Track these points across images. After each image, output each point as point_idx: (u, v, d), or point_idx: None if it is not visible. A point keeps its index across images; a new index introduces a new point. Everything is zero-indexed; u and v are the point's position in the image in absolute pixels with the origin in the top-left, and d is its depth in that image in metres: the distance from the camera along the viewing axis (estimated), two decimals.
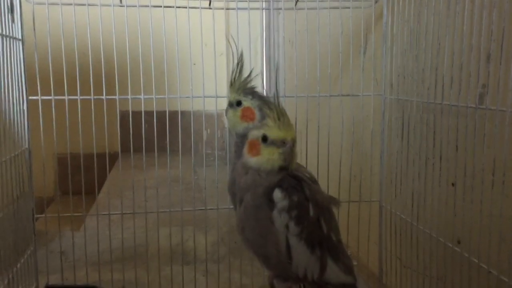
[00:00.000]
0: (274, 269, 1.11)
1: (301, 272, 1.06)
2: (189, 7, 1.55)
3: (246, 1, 1.57)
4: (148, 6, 1.54)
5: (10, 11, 1.41)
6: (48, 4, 1.48)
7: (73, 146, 1.51)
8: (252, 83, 1.23)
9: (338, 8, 1.58)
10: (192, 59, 1.61)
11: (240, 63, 1.20)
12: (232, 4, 1.59)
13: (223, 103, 1.31)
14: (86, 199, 1.57)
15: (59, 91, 1.51)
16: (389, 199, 1.58)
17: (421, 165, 1.37)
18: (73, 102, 1.53)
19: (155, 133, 1.59)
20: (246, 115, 1.20)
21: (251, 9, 1.59)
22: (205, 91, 1.60)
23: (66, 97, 1.53)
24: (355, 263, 1.42)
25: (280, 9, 1.64)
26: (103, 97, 1.55)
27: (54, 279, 1.68)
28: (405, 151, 1.46)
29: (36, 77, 1.49)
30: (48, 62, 1.49)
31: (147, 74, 1.56)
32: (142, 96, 1.59)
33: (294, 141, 1.03)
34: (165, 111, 1.56)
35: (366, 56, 1.73)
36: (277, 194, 1.03)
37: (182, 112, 1.62)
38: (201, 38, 1.57)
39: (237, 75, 1.21)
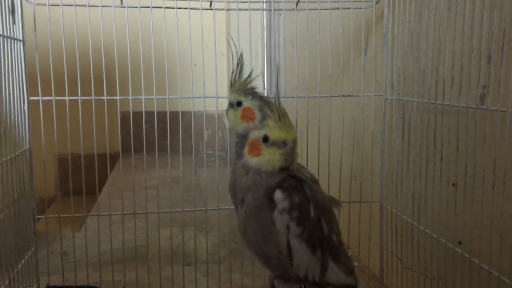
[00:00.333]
0: (275, 270, 1.11)
1: (302, 273, 1.06)
2: (190, 8, 1.55)
3: (247, 2, 1.57)
4: (149, 7, 1.54)
5: (11, 12, 1.41)
6: (49, 5, 1.48)
7: (74, 147, 1.51)
8: (253, 84, 1.23)
9: (339, 9, 1.58)
10: (192, 59, 1.61)
11: (240, 64, 1.20)
12: (233, 5, 1.60)
13: (224, 104, 1.31)
14: (86, 199, 1.57)
15: (60, 91, 1.52)
16: (390, 199, 1.58)
17: (422, 166, 1.37)
18: (74, 103, 1.53)
19: (156, 134, 1.59)
20: (247, 116, 1.20)
21: (252, 10, 1.59)
22: (206, 91, 1.60)
23: (67, 98, 1.53)
24: (356, 264, 1.42)
25: (281, 10, 1.64)
26: (104, 97, 1.55)
27: (55, 280, 1.68)
28: (405, 151, 1.46)
29: (37, 77, 1.49)
30: (49, 62, 1.49)
31: (148, 74, 1.56)
32: (143, 97, 1.59)
33: (295, 142, 1.03)
34: (166, 112, 1.56)
35: (366, 57, 1.73)
36: (278, 194, 1.03)
37: (183, 113, 1.62)
38: (202, 39, 1.57)
39: (238, 75, 1.21)
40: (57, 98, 1.53)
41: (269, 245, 1.04)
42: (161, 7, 1.54)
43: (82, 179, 1.52)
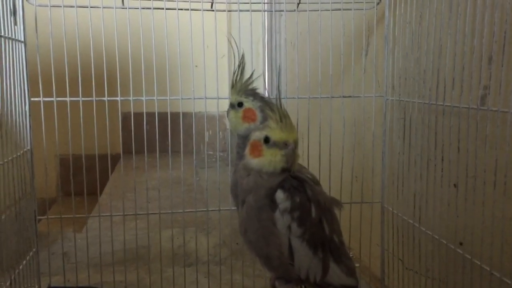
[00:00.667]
0: (276, 271, 1.11)
1: (303, 273, 1.06)
2: (191, 9, 1.55)
3: (248, 3, 1.57)
4: (150, 8, 1.55)
5: (12, 14, 1.41)
6: (50, 6, 1.48)
7: (75, 148, 1.51)
8: (254, 85, 1.23)
9: (340, 9, 1.58)
10: (194, 60, 1.61)
11: (241, 65, 1.21)
12: (234, 6, 1.60)
13: (225, 105, 1.31)
14: (88, 200, 1.57)
15: (61, 92, 1.52)
16: (391, 200, 1.58)
17: (423, 166, 1.37)
18: (75, 104, 1.54)
19: (157, 135, 1.60)
20: (248, 116, 1.20)
21: (253, 11, 1.59)
22: (207, 92, 1.60)
23: (68, 99, 1.53)
24: (357, 264, 1.42)
25: (282, 10, 1.64)
26: (105, 98, 1.56)
27: (56, 281, 1.68)
28: (406, 152, 1.46)
29: (38, 78, 1.50)
30: (50, 63, 1.50)
31: (149, 75, 1.56)
32: (143, 98, 1.59)
33: (296, 143, 1.03)
34: (167, 113, 1.56)
35: (367, 58, 1.73)
36: (279, 195, 1.03)
37: (184, 114, 1.62)
38: (203, 39, 1.57)
39: (239, 76, 1.22)
40: (58, 99, 1.53)
41: (270, 246, 1.04)
42: (162, 8, 1.55)
43: (83, 180, 1.52)
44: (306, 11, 1.62)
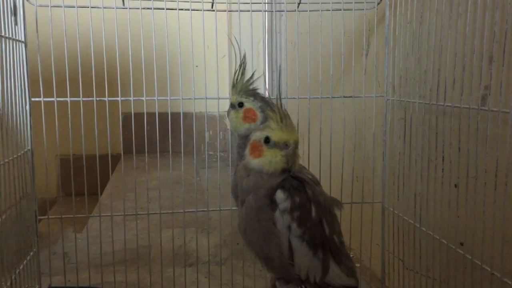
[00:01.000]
0: (277, 271, 1.11)
1: (303, 274, 1.06)
2: (192, 9, 1.55)
3: (249, 3, 1.57)
4: (151, 8, 1.55)
5: (13, 14, 1.41)
6: (51, 6, 1.48)
7: (76, 148, 1.51)
8: (254, 85, 1.23)
9: (340, 10, 1.58)
10: (194, 60, 1.61)
11: (242, 65, 1.21)
12: (235, 6, 1.60)
13: (225, 105, 1.31)
14: (88, 200, 1.57)
15: (61, 92, 1.52)
16: (392, 200, 1.58)
17: (424, 167, 1.37)
18: (75, 104, 1.54)
19: (157, 135, 1.59)
20: (248, 116, 1.20)
21: (254, 11, 1.59)
22: (207, 92, 1.60)
23: (68, 99, 1.53)
24: (357, 265, 1.42)
25: (283, 11, 1.64)
26: (106, 98, 1.56)
27: (57, 281, 1.68)
28: (407, 152, 1.46)
29: (39, 78, 1.50)
30: (50, 63, 1.50)
31: (149, 76, 1.56)
32: (144, 98, 1.59)
33: (296, 143, 1.03)
34: (167, 113, 1.56)
35: (368, 58, 1.73)
36: (279, 195, 1.03)
37: (184, 114, 1.62)
38: (203, 40, 1.57)
39: (239, 76, 1.22)
40: (58, 99, 1.53)
41: (270, 246, 1.04)
42: (163, 8, 1.55)
43: (84, 180, 1.52)
44: (306, 11, 1.62)
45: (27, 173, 1.50)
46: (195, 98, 1.60)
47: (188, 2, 1.53)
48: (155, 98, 1.59)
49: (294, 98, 1.62)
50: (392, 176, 1.58)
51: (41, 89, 1.50)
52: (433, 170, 1.32)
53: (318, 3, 1.57)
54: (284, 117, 1.03)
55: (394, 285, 1.58)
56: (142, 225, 1.76)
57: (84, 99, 1.55)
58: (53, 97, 1.52)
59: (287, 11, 1.63)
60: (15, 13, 1.42)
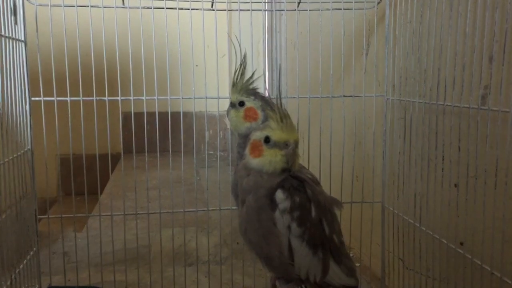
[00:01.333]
0: (276, 271, 1.11)
1: (303, 273, 1.06)
2: (192, 9, 1.55)
3: (249, 2, 1.57)
4: (151, 8, 1.55)
5: (13, 13, 1.41)
6: (51, 5, 1.48)
7: (76, 147, 1.51)
8: (254, 84, 1.23)
9: (340, 9, 1.58)
10: (194, 60, 1.61)
11: (243, 64, 1.21)
12: (235, 6, 1.60)
13: (225, 104, 1.31)
14: (88, 200, 1.57)
15: (61, 92, 1.52)
16: (392, 200, 1.58)
17: (424, 166, 1.37)
18: (75, 103, 1.54)
19: (157, 134, 1.59)
20: (249, 115, 1.20)
21: (253, 10, 1.59)
22: (207, 92, 1.60)
23: (68, 98, 1.53)
24: (357, 264, 1.42)
25: (283, 10, 1.64)
26: (106, 98, 1.56)
27: (57, 280, 1.68)
28: (407, 152, 1.46)
29: (39, 78, 1.50)
30: (50, 63, 1.50)
31: (149, 75, 1.56)
32: (144, 97, 1.59)
33: (296, 143, 1.03)
34: (167, 112, 1.56)
35: (368, 57, 1.73)
36: (279, 195, 1.03)
37: (184, 113, 1.62)
38: (203, 39, 1.57)
39: (240, 76, 1.21)
40: (58, 98, 1.53)
41: (270, 246, 1.04)
42: (163, 8, 1.55)
43: (83, 179, 1.52)
44: (306, 10, 1.62)
45: (27, 172, 1.50)
46: (195, 98, 1.60)
47: (188, 1, 1.53)
48: (155, 97, 1.59)
49: (294, 97, 1.62)
50: (392, 176, 1.58)
51: (41, 88, 1.50)
52: (433, 170, 1.32)
53: (318, 2, 1.57)
54: (284, 117, 1.03)
55: (394, 285, 1.58)
56: (142, 225, 1.76)
57: (84, 98, 1.55)
58: (53, 97, 1.52)
59: (287, 10, 1.63)
60: (15, 13, 1.42)
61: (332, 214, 1.10)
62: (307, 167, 1.36)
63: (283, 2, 1.61)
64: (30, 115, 1.51)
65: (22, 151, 1.46)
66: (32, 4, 1.49)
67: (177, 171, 1.69)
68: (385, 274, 1.63)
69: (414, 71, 1.41)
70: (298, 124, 1.50)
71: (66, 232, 1.98)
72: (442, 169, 1.29)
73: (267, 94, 1.26)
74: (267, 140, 1.03)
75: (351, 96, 1.63)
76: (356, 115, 1.65)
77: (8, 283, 1.34)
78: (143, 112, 1.58)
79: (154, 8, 1.55)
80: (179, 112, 1.61)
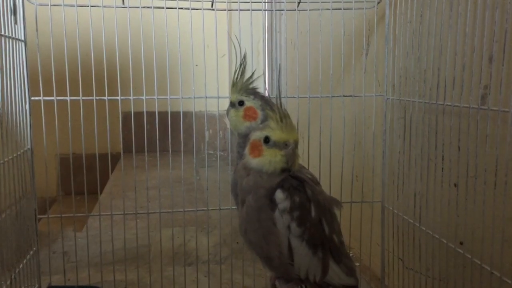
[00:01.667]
0: (276, 270, 1.11)
1: (303, 273, 1.06)
2: (192, 8, 1.55)
3: (248, 2, 1.57)
4: (151, 7, 1.55)
5: (13, 13, 1.41)
6: (51, 5, 1.48)
7: (75, 147, 1.51)
8: (254, 84, 1.23)
9: (340, 9, 1.58)
10: (194, 60, 1.61)
11: (243, 64, 1.20)
12: (235, 6, 1.60)
13: (225, 104, 1.31)
14: (88, 199, 1.57)
15: (61, 91, 1.52)
16: (391, 200, 1.58)
17: (423, 166, 1.37)
18: (75, 103, 1.54)
19: (157, 134, 1.59)
20: (249, 115, 1.20)
21: (253, 10, 1.59)
22: (207, 92, 1.60)
23: (68, 98, 1.53)
24: (357, 264, 1.42)
25: (283, 10, 1.64)
26: (105, 97, 1.56)
27: (57, 280, 1.68)
28: (407, 151, 1.46)
29: (39, 77, 1.50)
30: (50, 62, 1.50)
31: (149, 75, 1.56)
32: (144, 97, 1.59)
33: (296, 143, 1.03)
34: (167, 112, 1.56)
35: (368, 57, 1.73)
36: (279, 195, 1.03)
37: (184, 113, 1.62)
38: (203, 39, 1.57)
39: (239, 75, 1.21)
40: (58, 98, 1.53)
41: (270, 246, 1.04)
42: (163, 7, 1.55)
43: (83, 179, 1.52)
44: (306, 10, 1.62)
45: (26, 172, 1.50)
46: (194, 97, 1.60)
47: (188, 1, 1.53)
48: (155, 97, 1.59)
49: (294, 97, 1.62)
50: (391, 175, 1.58)
51: (41, 88, 1.50)
52: (433, 169, 1.32)
53: (318, 2, 1.57)
54: (284, 117, 1.02)
55: (393, 284, 1.58)
56: (142, 224, 1.76)
57: (84, 98, 1.55)
58: (53, 96, 1.52)
59: (287, 10, 1.63)
60: (15, 12, 1.42)
61: (331, 214, 1.10)
62: (307, 167, 1.36)
63: (283, 2, 1.61)
64: (30, 115, 1.51)
65: (22, 151, 1.46)
66: (32, 3, 1.49)
67: (177, 171, 1.69)
68: (385, 274, 1.63)
69: (414, 71, 1.41)
70: (298, 124, 1.51)
71: (66, 231, 1.98)
72: (442, 168, 1.29)
73: (267, 94, 1.26)
74: (266, 140, 1.03)
75: (351, 96, 1.63)
76: (356, 115, 1.65)
77: (8, 282, 1.34)
78: (143, 112, 1.58)
79: (154, 8, 1.55)
80: (179, 112, 1.61)
